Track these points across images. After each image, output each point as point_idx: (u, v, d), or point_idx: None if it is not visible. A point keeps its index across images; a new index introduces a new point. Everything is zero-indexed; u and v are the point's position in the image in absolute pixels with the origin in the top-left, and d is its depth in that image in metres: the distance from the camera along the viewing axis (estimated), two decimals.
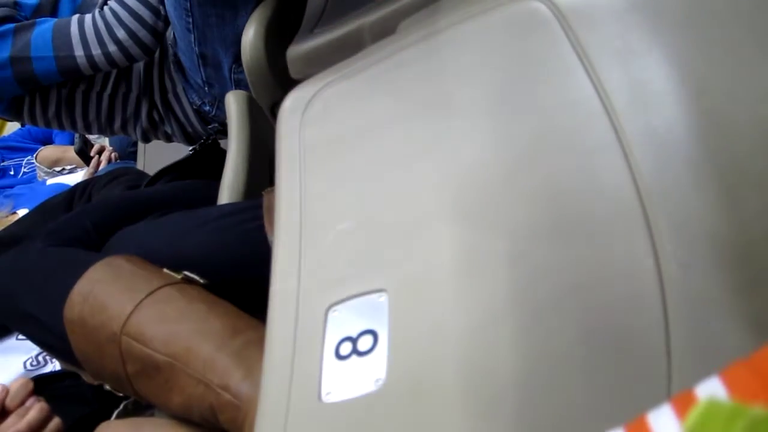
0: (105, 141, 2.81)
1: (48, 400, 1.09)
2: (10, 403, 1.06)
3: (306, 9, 1.07)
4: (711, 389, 0.34)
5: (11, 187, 2.82)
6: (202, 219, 1.08)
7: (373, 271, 0.59)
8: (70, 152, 2.82)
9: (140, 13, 1.42)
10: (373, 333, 0.56)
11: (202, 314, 0.89)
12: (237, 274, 1.02)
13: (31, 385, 1.09)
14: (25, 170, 2.98)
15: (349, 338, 0.57)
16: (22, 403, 1.06)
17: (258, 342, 0.78)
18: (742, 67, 0.55)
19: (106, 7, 1.45)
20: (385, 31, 0.84)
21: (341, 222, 0.63)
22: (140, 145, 2.55)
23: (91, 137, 2.76)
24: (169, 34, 1.53)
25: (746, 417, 0.30)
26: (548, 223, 0.54)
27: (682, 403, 0.33)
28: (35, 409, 1.06)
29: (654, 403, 0.45)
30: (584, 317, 0.49)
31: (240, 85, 1.42)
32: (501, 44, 0.65)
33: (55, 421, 1.08)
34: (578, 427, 0.47)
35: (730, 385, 0.33)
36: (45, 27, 1.46)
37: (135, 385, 0.92)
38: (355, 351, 0.56)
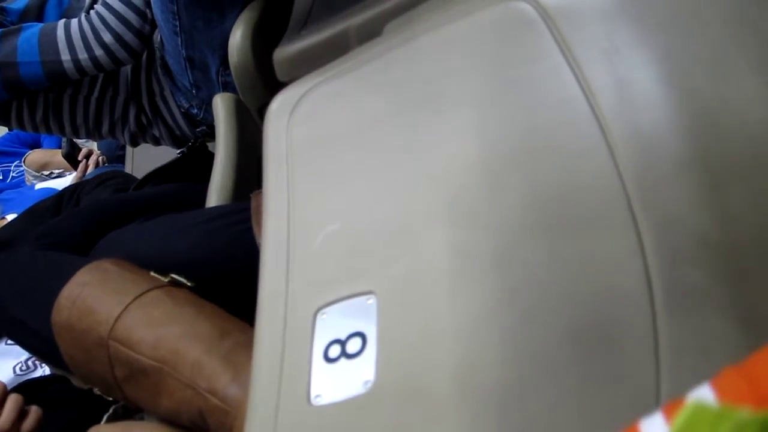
0: (93, 145, 2.81)
1: (38, 405, 1.09)
2: None
3: (292, 11, 1.07)
4: (699, 393, 0.34)
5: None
6: (190, 222, 1.08)
7: (361, 273, 0.59)
8: (59, 156, 2.81)
9: (127, 16, 1.42)
10: (361, 335, 0.56)
11: (189, 317, 0.89)
12: (225, 277, 1.01)
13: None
14: (13, 174, 2.97)
15: (337, 341, 0.57)
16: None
17: (246, 344, 0.78)
18: (729, 67, 0.55)
19: (92, 11, 1.44)
20: (371, 33, 0.84)
21: (329, 224, 0.63)
22: (128, 149, 2.55)
23: (79, 141, 2.75)
24: (156, 37, 1.52)
25: (732, 419, 0.30)
26: (535, 222, 0.54)
27: (673, 409, 0.34)
28: (8, 403, 1.04)
29: (643, 398, 0.45)
30: (573, 316, 0.49)
31: (228, 87, 1.42)
32: (487, 45, 0.65)
33: (35, 412, 1.06)
34: (569, 425, 0.47)
35: (718, 389, 0.33)
36: (31, 32, 1.45)
37: (124, 389, 0.91)
38: (344, 353, 0.56)
